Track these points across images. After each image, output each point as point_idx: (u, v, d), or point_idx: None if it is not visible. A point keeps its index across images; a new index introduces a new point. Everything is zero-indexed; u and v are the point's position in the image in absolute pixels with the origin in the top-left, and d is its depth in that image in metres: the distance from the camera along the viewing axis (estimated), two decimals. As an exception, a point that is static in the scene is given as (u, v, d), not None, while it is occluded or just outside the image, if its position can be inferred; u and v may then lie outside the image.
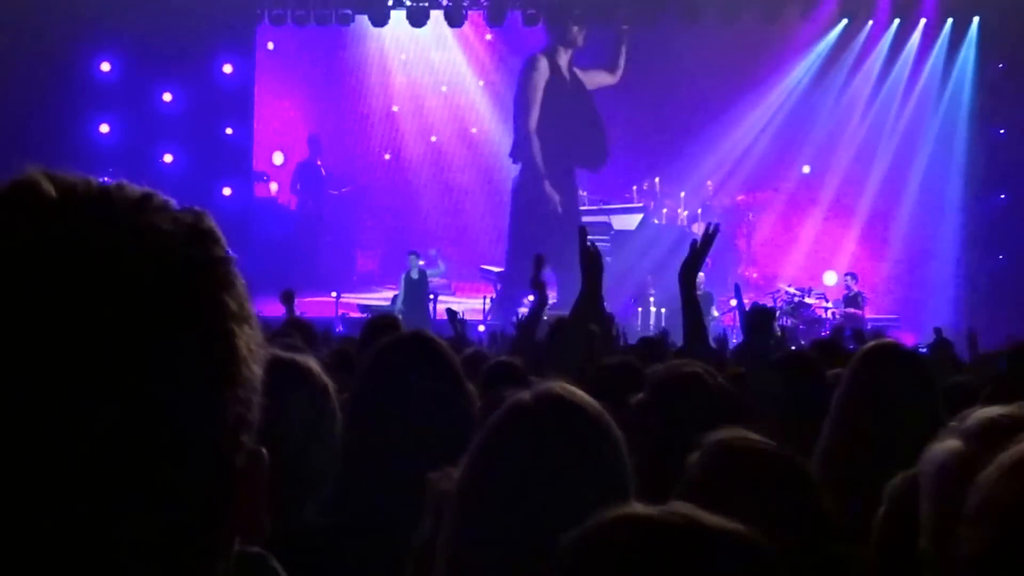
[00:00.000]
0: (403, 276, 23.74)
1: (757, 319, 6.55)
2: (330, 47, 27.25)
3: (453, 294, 25.11)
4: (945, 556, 2.56)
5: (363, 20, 25.53)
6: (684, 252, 6.36)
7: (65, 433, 1.03)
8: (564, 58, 27.12)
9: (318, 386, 3.36)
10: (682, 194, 26.40)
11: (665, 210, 26.28)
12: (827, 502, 2.85)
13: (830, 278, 25.22)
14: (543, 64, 27.17)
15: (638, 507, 1.76)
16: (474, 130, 28.04)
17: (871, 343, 4.57)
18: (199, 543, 1.13)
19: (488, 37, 27.71)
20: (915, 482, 2.66)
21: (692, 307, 6.35)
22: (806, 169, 26.70)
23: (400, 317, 16.46)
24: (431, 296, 24.64)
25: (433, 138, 28.06)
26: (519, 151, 27.16)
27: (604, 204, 26.13)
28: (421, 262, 24.51)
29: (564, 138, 26.74)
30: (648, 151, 26.47)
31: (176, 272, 1.11)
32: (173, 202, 1.17)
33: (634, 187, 26.70)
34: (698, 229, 25.52)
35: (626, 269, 23.15)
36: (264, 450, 1.20)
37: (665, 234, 25.49)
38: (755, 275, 26.42)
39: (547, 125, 27.00)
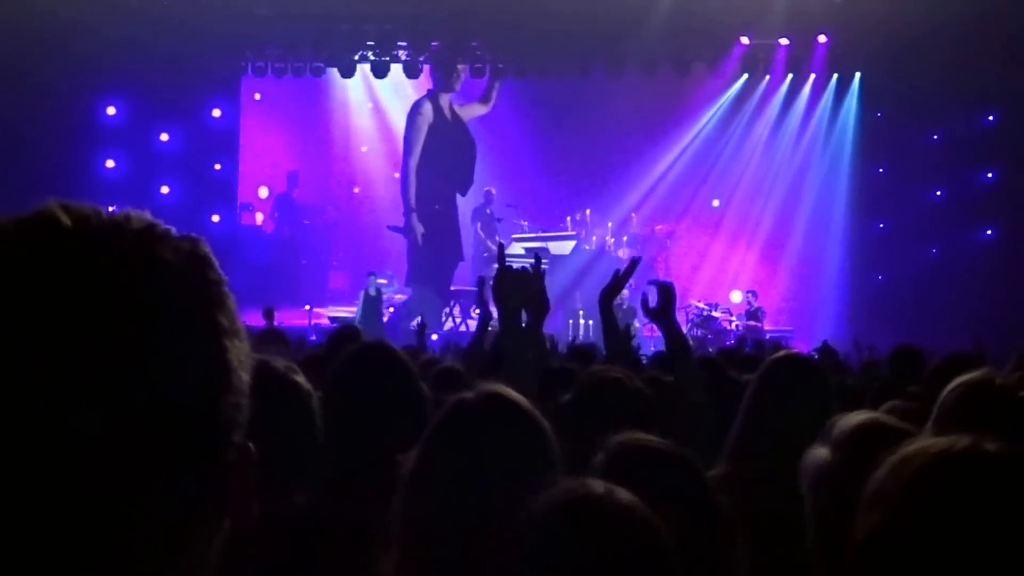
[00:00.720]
0: (362, 292, 23.84)
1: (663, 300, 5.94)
2: (309, 97, 27.37)
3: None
4: (826, 545, 2.60)
5: (335, 73, 25.76)
6: (611, 273, 6.19)
7: (83, 435, 1.04)
8: (445, 99, 27.33)
9: (303, 392, 3.42)
10: (609, 224, 26.51)
11: (595, 238, 26.41)
12: (717, 493, 2.85)
13: (736, 296, 25.36)
14: (427, 108, 27.33)
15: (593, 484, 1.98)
16: None
17: (779, 353, 4.60)
18: (196, 525, 1.15)
19: None
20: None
21: (612, 327, 6.25)
22: (716, 203, 26.95)
23: (360, 328, 16.44)
24: (391, 309, 24.72)
25: (396, 174, 28.12)
26: (406, 184, 27.45)
27: (542, 232, 26.20)
28: (383, 280, 24.62)
29: (445, 169, 27.06)
30: (580, 186, 26.71)
31: (176, 295, 1.12)
32: (173, 230, 1.18)
33: (568, 217, 26.81)
34: (623, 254, 25.69)
35: (561, 289, 23.16)
36: (251, 445, 1.22)
37: (595, 258, 25.64)
38: (671, 294, 26.56)
39: (432, 160, 27.23)
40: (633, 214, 26.79)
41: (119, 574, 1.08)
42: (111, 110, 24.66)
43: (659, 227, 27.08)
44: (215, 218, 24.86)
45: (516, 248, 25.18)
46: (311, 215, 27.62)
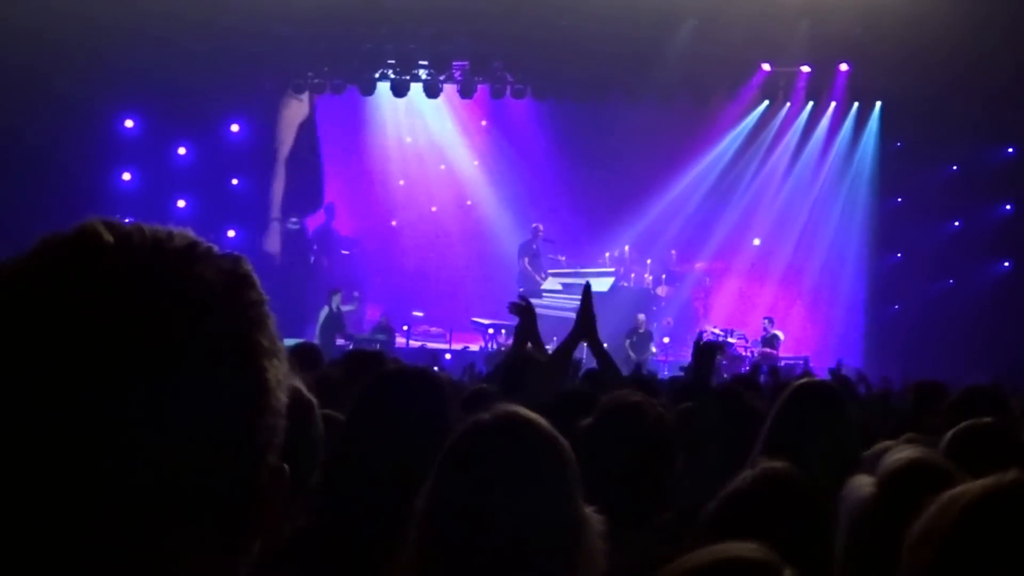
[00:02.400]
0: (324, 308, 23.64)
1: (706, 353, 6.55)
2: (349, 129, 27.43)
3: (449, 342, 25.09)
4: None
5: (374, 104, 26.33)
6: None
7: (115, 455, 1.04)
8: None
9: (303, 403, 3.36)
10: (648, 261, 26.46)
11: (633, 275, 26.33)
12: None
13: (780, 336, 24.78)
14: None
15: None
16: (468, 202, 28.31)
17: (801, 380, 4.61)
18: (227, 546, 1.13)
19: (483, 123, 28.16)
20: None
21: (603, 356, 6.72)
22: (756, 241, 26.84)
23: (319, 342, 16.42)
24: (404, 328, 25.05)
25: (433, 208, 28.24)
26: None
27: (580, 268, 26.09)
28: (351, 305, 24.67)
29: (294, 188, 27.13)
30: (611, 218, 26.53)
31: (215, 315, 1.11)
32: (215, 248, 1.18)
33: (607, 254, 26.77)
34: (662, 291, 25.65)
35: (600, 325, 22.99)
36: (286, 466, 1.19)
37: (633, 295, 25.60)
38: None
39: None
40: (672, 251, 26.73)
41: None
42: (128, 123, 24.63)
43: (699, 265, 27.01)
44: (231, 233, 24.82)
45: (553, 283, 25.21)
46: (349, 246, 27.63)
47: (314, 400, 3.45)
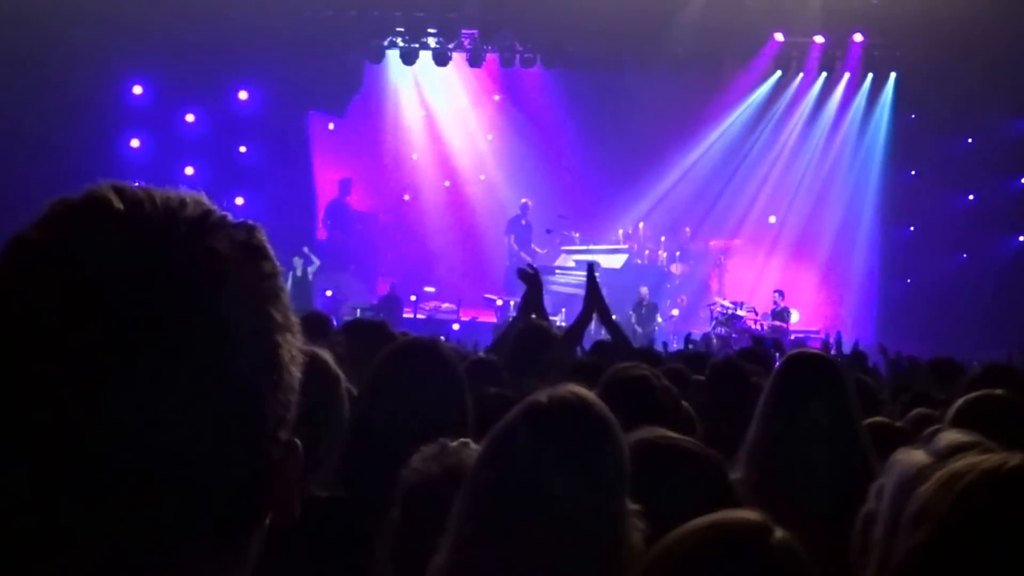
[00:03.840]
0: (289, 275, 22.82)
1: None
2: (362, 104, 27.36)
3: (458, 315, 24.99)
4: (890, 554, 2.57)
5: (387, 78, 26.58)
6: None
7: (127, 430, 1.02)
8: None
9: (330, 376, 3.41)
10: (662, 238, 26.38)
11: (647, 252, 26.24)
12: (736, 491, 2.87)
13: (794, 316, 24.71)
14: None
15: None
16: (482, 177, 28.29)
17: (796, 350, 4.57)
18: (237, 520, 1.13)
19: (496, 98, 28.16)
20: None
21: (615, 330, 7.17)
22: (772, 219, 26.77)
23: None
24: (412, 299, 25.01)
25: (447, 183, 28.25)
26: None
27: (593, 245, 25.97)
28: (313, 264, 24.39)
29: None
30: (631, 197, 26.47)
31: (228, 288, 1.09)
32: (229, 217, 1.15)
33: (620, 231, 26.67)
34: (676, 269, 25.59)
35: (613, 302, 23.03)
36: (298, 441, 1.18)
37: (647, 273, 25.56)
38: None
39: None
40: (687, 228, 26.61)
41: (162, 571, 1.07)
42: (137, 90, 24.59)
43: (713, 243, 26.94)
44: (239, 200, 24.81)
45: (566, 260, 25.10)
46: (363, 221, 27.59)
47: (341, 374, 3.44)
